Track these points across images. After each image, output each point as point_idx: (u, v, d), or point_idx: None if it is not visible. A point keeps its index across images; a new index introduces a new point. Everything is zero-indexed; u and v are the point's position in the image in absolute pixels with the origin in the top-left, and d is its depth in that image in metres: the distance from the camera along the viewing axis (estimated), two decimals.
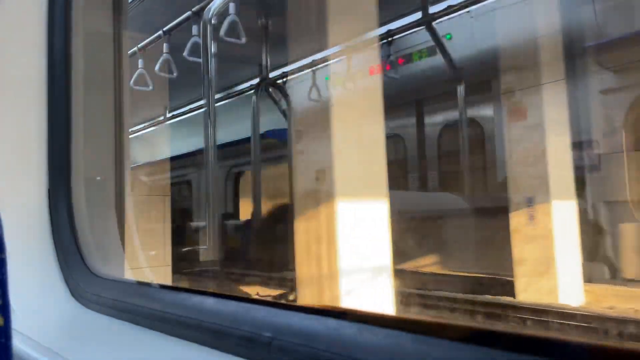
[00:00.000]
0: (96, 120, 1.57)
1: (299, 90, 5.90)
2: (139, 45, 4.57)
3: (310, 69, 5.52)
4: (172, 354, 0.80)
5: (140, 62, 4.53)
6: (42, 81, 1.38)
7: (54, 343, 0.96)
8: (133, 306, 0.98)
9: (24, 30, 1.39)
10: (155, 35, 4.48)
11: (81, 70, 1.45)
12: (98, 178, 1.47)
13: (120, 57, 1.59)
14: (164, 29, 4.35)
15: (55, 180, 1.34)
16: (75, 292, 1.15)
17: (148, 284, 1.08)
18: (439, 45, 4.44)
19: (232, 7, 3.38)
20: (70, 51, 1.40)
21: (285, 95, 5.67)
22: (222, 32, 3.35)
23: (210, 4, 3.11)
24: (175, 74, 4.40)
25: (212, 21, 2.99)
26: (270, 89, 5.41)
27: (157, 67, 4.31)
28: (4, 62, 1.37)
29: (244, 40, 3.57)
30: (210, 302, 0.77)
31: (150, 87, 4.71)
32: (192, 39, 3.89)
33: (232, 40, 3.51)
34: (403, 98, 5.37)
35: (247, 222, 5.96)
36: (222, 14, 3.32)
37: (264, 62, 5.02)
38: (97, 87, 1.57)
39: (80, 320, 1.08)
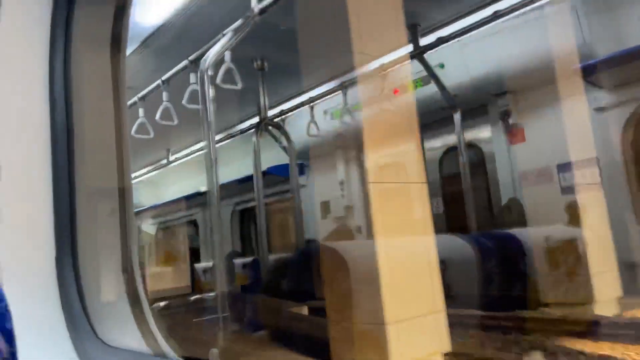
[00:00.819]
0: (99, 179, 1.59)
1: (297, 127, 5.97)
2: (138, 95, 4.67)
3: (307, 105, 5.60)
4: None
5: (140, 112, 4.62)
6: (47, 146, 1.41)
7: None
8: None
9: (27, 89, 1.42)
10: (155, 84, 4.58)
11: (83, 128, 1.49)
12: (104, 242, 1.49)
13: (120, 108, 1.62)
14: (163, 78, 4.44)
15: (61, 248, 1.36)
16: None
17: (157, 355, 1.09)
18: (432, 74, 4.52)
19: (227, 55, 3.46)
20: (71, 109, 1.44)
21: (284, 132, 5.75)
22: (218, 79, 3.43)
23: (207, 53, 3.20)
24: (176, 121, 4.47)
25: (209, 70, 3.07)
26: (269, 127, 5.48)
27: (158, 116, 4.39)
28: (11, 120, 1.39)
29: (240, 85, 3.64)
30: None
31: (152, 135, 4.78)
32: (190, 87, 3.97)
33: (229, 87, 3.59)
34: (400, 127, 5.43)
35: (254, 260, 5.95)
36: (219, 62, 3.40)
37: (261, 102, 5.10)
38: (99, 142, 1.60)
39: None
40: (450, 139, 5.28)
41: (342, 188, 6.28)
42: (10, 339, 0.66)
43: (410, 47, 4.29)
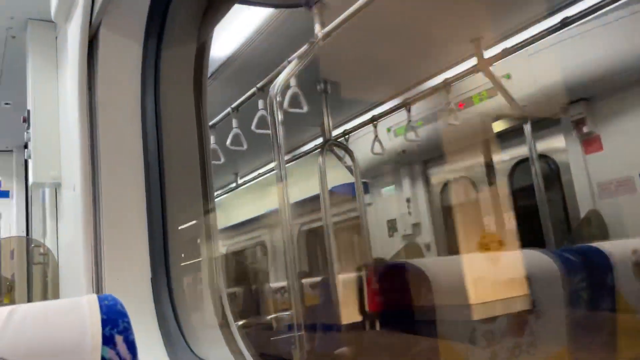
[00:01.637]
0: (186, 205, 1.71)
1: (361, 146, 6.02)
2: (210, 123, 4.92)
3: (371, 124, 5.65)
4: None
5: (212, 139, 4.86)
6: (142, 175, 1.54)
7: None
8: None
9: (123, 125, 1.56)
10: (224, 113, 4.80)
11: (171, 157, 1.61)
12: (193, 264, 1.59)
13: (204, 137, 1.74)
14: (232, 105, 4.65)
15: (156, 270, 1.47)
16: None
17: None
18: (498, 86, 4.43)
19: (292, 80, 3.60)
20: (162, 140, 1.56)
21: (348, 152, 5.81)
22: (285, 104, 3.56)
23: (275, 80, 3.34)
24: (245, 147, 4.66)
25: (277, 97, 3.20)
26: (333, 147, 5.56)
27: (228, 142, 4.59)
28: (111, 152, 1.53)
29: (305, 109, 3.76)
30: None
31: (222, 160, 5.00)
32: (259, 113, 4.13)
33: (295, 110, 3.71)
34: (467, 141, 5.34)
35: (323, 279, 6.00)
36: (285, 87, 3.54)
37: (325, 123, 5.21)
38: (186, 169, 1.71)
39: None
40: (520, 151, 5.13)
41: (408, 205, 6.23)
42: (134, 350, 0.74)
43: (474, 60, 4.24)
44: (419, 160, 6.10)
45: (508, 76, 4.77)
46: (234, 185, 8.80)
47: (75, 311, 0.73)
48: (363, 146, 6.19)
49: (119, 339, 0.73)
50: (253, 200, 9.36)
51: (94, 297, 0.76)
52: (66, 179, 1.89)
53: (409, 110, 5.19)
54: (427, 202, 6.22)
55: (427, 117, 5.34)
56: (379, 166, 6.29)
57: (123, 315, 0.76)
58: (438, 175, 6.39)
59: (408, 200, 6.12)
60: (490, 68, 4.33)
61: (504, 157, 5.69)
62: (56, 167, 2.04)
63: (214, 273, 1.60)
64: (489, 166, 5.48)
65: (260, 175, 8.08)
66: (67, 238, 1.83)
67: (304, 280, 6.62)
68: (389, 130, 5.82)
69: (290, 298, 3.26)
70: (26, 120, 2.16)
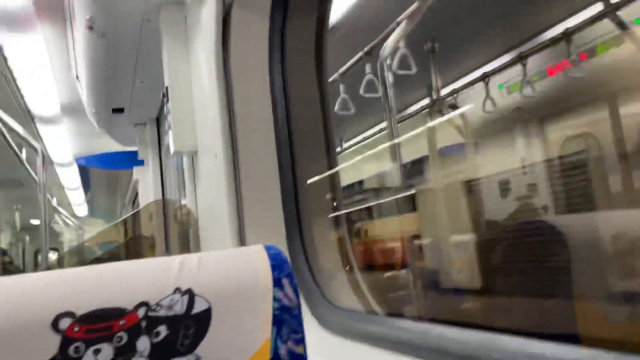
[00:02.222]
0: (312, 167, 1.82)
1: (471, 104, 5.82)
2: None
3: (481, 81, 5.42)
4: None
5: None
6: (272, 140, 1.68)
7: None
8: (374, 332, 1.15)
9: (254, 94, 1.70)
10: (331, 79, 4.90)
11: (297, 123, 1.72)
12: (321, 220, 1.72)
13: (325, 102, 1.83)
14: (339, 71, 4.73)
15: (290, 227, 1.61)
16: (322, 322, 1.38)
17: (381, 315, 1.25)
18: (627, 32, 4.02)
19: (402, 42, 3.57)
20: (290, 108, 1.68)
21: (457, 110, 5.65)
22: (394, 66, 3.56)
23: (385, 43, 3.36)
24: (352, 111, 4.74)
25: (387, 59, 3.22)
26: (441, 108, 5.45)
27: (336, 107, 4.70)
28: (246, 120, 1.67)
29: (414, 70, 3.73)
30: (453, 332, 0.89)
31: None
32: (367, 77, 4.17)
33: (404, 72, 3.70)
34: (591, 95, 4.94)
35: (435, 241, 5.99)
36: (394, 49, 3.54)
37: (433, 83, 5.10)
38: (312, 134, 1.82)
39: (329, 345, 1.29)
40: None
41: (523, 165, 5.95)
42: (297, 292, 0.86)
43: (599, 6, 3.88)
44: (534, 117, 5.76)
45: (638, 21, 4.29)
46: (338, 149, 8.99)
47: (249, 257, 0.86)
48: (473, 105, 5.97)
49: (285, 281, 0.85)
50: (358, 164, 9.50)
51: (261, 247, 0.88)
52: (203, 147, 2.10)
53: (524, 65, 4.90)
54: (543, 162, 5.88)
55: (543, 71, 5.00)
56: (490, 125, 6.04)
57: (286, 262, 0.88)
58: (556, 132, 5.99)
59: (523, 160, 5.84)
60: (618, 13, 3.92)
61: (635, 110, 5.18)
62: (193, 136, 2.25)
63: (340, 229, 1.71)
64: (616, 120, 5.03)
65: (365, 139, 8.15)
66: (207, 199, 2.05)
67: (416, 241, 6.67)
68: (501, 86, 5.55)
69: (405, 258, 3.35)
70: (165, 95, 2.40)
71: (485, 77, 5.30)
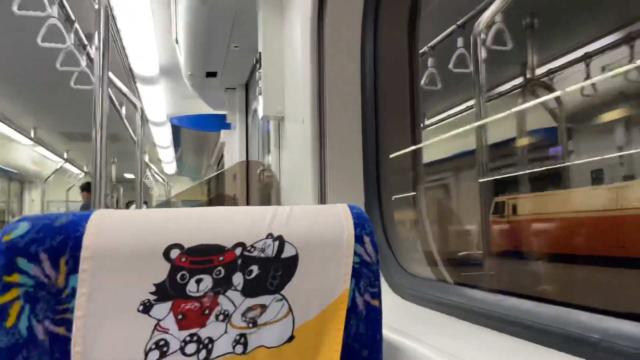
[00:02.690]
0: (396, 139, 1.85)
1: (568, 86, 5.48)
2: None
3: (582, 62, 5.08)
4: (491, 343, 0.95)
5: None
6: (358, 109, 1.73)
7: (386, 321, 1.23)
8: (445, 300, 1.18)
9: (346, 62, 1.74)
10: (420, 51, 4.81)
11: (384, 93, 1.74)
12: (401, 192, 1.75)
13: (415, 74, 1.84)
14: (430, 44, 4.63)
15: (369, 195, 1.66)
16: (394, 287, 1.43)
17: (458, 284, 1.27)
18: None
19: (498, 16, 3.43)
20: (378, 77, 1.71)
21: (553, 93, 5.35)
22: (488, 41, 3.44)
23: (480, 16, 3.24)
24: (439, 86, 4.65)
25: (482, 34, 3.11)
26: (536, 88, 5.18)
27: (423, 81, 4.63)
28: (336, 89, 1.72)
29: (510, 46, 3.57)
30: (527, 304, 0.91)
31: None
32: (458, 51, 4.06)
33: (498, 47, 3.56)
34: None
35: (514, 224, 5.81)
36: (490, 24, 3.40)
37: (529, 62, 4.86)
38: (398, 106, 1.84)
39: (401, 308, 1.34)
40: None
41: (620, 155, 5.55)
42: (376, 249, 0.91)
43: None
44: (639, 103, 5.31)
45: None
46: (421, 125, 8.84)
47: (335, 214, 0.92)
48: (570, 87, 5.61)
49: (366, 238, 0.91)
50: (441, 142, 9.30)
51: (346, 206, 0.95)
52: (290, 113, 2.18)
53: (632, 47, 4.52)
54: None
55: None
56: (587, 110, 5.66)
57: (368, 221, 0.93)
58: None
59: (620, 149, 5.45)
60: None
61: None
62: (281, 102, 2.35)
63: (419, 203, 1.74)
64: None
65: (450, 116, 7.94)
66: (291, 163, 2.15)
67: (495, 226, 6.50)
68: (603, 69, 5.17)
69: (482, 240, 3.30)
70: (258, 61, 2.51)
71: (587, 58, 4.95)
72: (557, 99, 4.97)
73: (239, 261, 0.84)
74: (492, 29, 3.40)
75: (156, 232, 0.81)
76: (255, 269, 0.84)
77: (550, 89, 5.14)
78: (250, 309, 0.84)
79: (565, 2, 4.02)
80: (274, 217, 0.88)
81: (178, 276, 0.81)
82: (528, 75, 4.82)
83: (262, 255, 0.85)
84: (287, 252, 0.86)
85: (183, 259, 0.81)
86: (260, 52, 2.47)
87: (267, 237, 0.86)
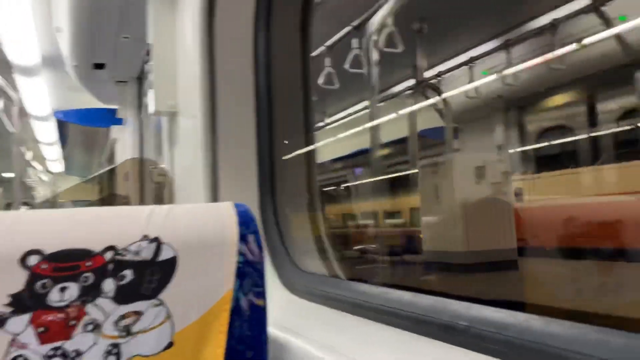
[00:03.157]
0: (290, 133, 1.84)
1: (455, 88, 5.87)
2: None
3: (466, 66, 5.46)
4: (375, 335, 0.98)
5: None
6: (252, 104, 1.69)
7: (277, 319, 1.22)
8: (335, 295, 1.20)
9: (238, 55, 1.69)
10: (317, 51, 4.88)
11: (277, 87, 1.73)
12: (294, 187, 1.75)
13: (306, 69, 1.84)
14: (326, 44, 4.71)
15: (263, 190, 1.64)
16: (286, 284, 1.42)
17: (347, 279, 1.30)
18: (611, 28, 4.09)
19: (389, 19, 3.58)
20: (270, 71, 1.69)
21: (440, 94, 5.70)
22: (380, 43, 3.57)
23: (372, 18, 3.35)
24: (337, 85, 4.75)
25: (374, 35, 3.22)
26: (425, 90, 5.49)
27: (321, 81, 4.70)
28: (227, 82, 1.68)
29: (400, 49, 3.74)
30: (407, 296, 0.94)
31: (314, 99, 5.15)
32: (353, 52, 4.17)
33: (390, 50, 3.71)
34: (571, 87, 5.03)
35: (405, 222, 6.11)
36: (382, 26, 3.54)
37: (418, 64, 5.13)
38: (290, 100, 1.83)
39: (293, 305, 1.34)
40: (630, 101, 4.76)
41: (499, 153, 6.06)
42: (261, 247, 0.89)
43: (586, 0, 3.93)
44: (515, 105, 5.83)
45: (623, 18, 4.35)
46: (321, 124, 8.99)
47: (218, 213, 0.89)
48: (456, 90, 6.02)
49: (250, 237, 0.89)
50: (339, 140, 9.54)
51: (230, 204, 0.92)
52: (183, 108, 2.10)
53: (509, 53, 4.94)
54: (520, 150, 6.00)
55: (527, 60, 5.06)
56: (471, 111, 6.10)
57: (253, 219, 0.91)
58: (535, 122, 6.10)
59: (500, 148, 5.95)
60: (604, 8, 3.97)
61: (611, 106, 5.29)
62: (173, 97, 2.24)
63: (313, 201, 1.75)
64: (593, 114, 5.14)
65: (348, 115, 8.17)
66: (184, 160, 2.06)
67: (387, 220, 6.78)
68: (485, 73, 5.60)
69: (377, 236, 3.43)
70: (148, 53, 2.37)
71: (470, 62, 5.34)
72: (444, 100, 5.30)
73: (110, 266, 0.77)
74: (383, 31, 3.54)
75: (10, 237, 0.73)
76: (129, 273, 0.79)
77: (438, 91, 5.47)
78: (123, 316, 0.78)
79: (450, 9, 4.29)
80: (150, 217, 0.83)
81: (38, 285, 0.73)
82: (419, 78, 5.09)
83: (137, 258, 0.79)
84: (165, 254, 0.81)
85: (44, 266, 0.73)
86: (150, 44, 2.35)
87: (142, 239, 0.80)
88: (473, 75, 5.41)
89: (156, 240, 0.81)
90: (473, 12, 4.78)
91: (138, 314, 0.79)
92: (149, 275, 0.80)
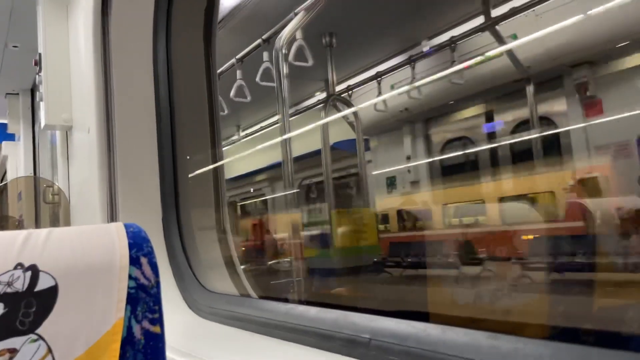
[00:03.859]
0: (195, 148, 1.78)
1: (364, 102, 6.04)
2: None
3: (374, 80, 5.65)
4: (279, 354, 0.95)
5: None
6: (153, 119, 1.61)
7: (179, 345, 1.15)
8: (242, 315, 1.16)
9: (136, 69, 1.61)
10: (229, 63, 4.81)
11: (181, 102, 1.67)
12: (201, 205, 1.69)
13: (212, 83, 1.79)
14: (237, 56, 4.65)
15: (166, 209, 1.56)
16: (192, 305, 1.36)
17: (253, 297, 1.26)
18: (503, 46, 4.43)
19: (299, 33, 3.60)
20: (172, 84, 1.62)
21: (351, 107, 5.84)
22: (290, 57, 3.58)
23: (281, 32, 3.36)
24: (249, 98, 4.70)
25: (283, 48, 3.22)
26: (337, 103, 5.59)
27: (232, 93, 4.63)
28: (125, 95, 1.58)
29: (310, 62, 3.78)
30: (313, 311, 0.92)
31: (225, 112, 5.05)
32: (264, 65, 4.15)
33: (300, 64, 3.73)
34: (470, 101, 5.37)
35: (322, 233, 6.15)
36: (291, 40, 3.55)
37: (330, 78, 5.22)
38: (195, 114, 1.77)
39: (198, 328, 1.28)
40: (522, 113, 5.17)
41: (408, 163, 6.31)
42: (156, 271, 0.84)
43: (481, 19, 4.22)
44: (420, 118, 6.13)
45: (515, 36, 4.74)
46: (235, 137, 8.86)
47: (106, 235, 0.81)
48: (366, 103, 6.20)
49: (143, 260, 0.82)
50: (255, 153, 9.46)
51: (121, 224, 0.85)
52: (78, 122, 1.96)
53: (413, 68, 5.18)
54: (426, 161, 6.29)
55: (430, 75, 5.34)
56: (380, 123, 6.31)
57: (146, 240, 0.85)
58: (439, 134, 6.44)
59: (408, 158, 6.20)
60: (497, 27, 4.30)
61: (506, 118, 5.72)
62: (67, 109, 2.09)
63: (222, 218, 1.69)
64: (490, 126, 5.52)
65: (262, 128, 8.12)
66: (80, 178, 1.92)
67: (302, 233, 6.79)
68: (392, 87, 5.83)
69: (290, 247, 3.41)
70: (37, 63, 2.20)
71: (378, 77, 5.53)
72: (355, 113, 5.44)
73: None
74: (293, 45, 3.56)
75: None
76: None
77: (348, 104, 5.61)
78: None
79: (357, 24, 4.42)
80: (25, 243, 0.74)
81: None
82: (330, 91, 5.18)
83: (9, 290, 0.70)
84: (43, 284, 0.73)
85: None
86: (40, 53, 2.18)
87: (15, 268, 0.71)
88: (381, 89, 5.61)
89: (32, 268, 0.73)
90: (380, 28, 4.96)
91: (12, 351, 0.70)
92: (24, 307, 0.71)
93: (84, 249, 0.78)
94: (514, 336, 0.58)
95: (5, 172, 5.92)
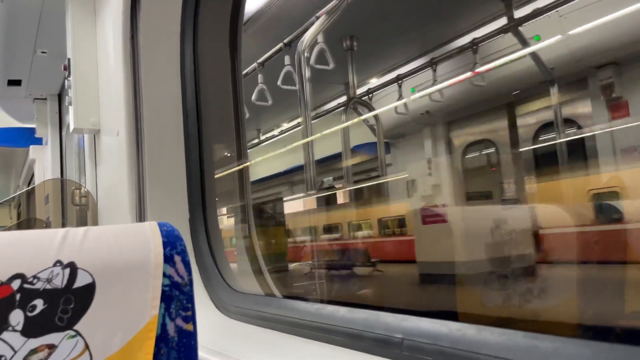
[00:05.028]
0: (221, 150, 1.80)
1: (385, 105, 6.03)
2: None
3: (395, 83, 5.63)
4: (309, 353, 0.95)
5: None
6: (180, 120, 1.63)
7: (209, 344, 1.16)
8: (270, 315, 1.16)
9: (164, 70, 1.63)
10: (251, 67, 4.85)
11: (207, 103, 1.69)
12: (228, 207, 1.70)
13: (237, 84, 1.81)
14: (259, 60, 4.70)
15: (194, 211, 1.58)
16: (219, 305, 1.37)
17: (280, 297, 1.26)
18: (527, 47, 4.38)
19: (320, 37, 3.62)
20: (199, 87, 1.64)
21: (372, 111, 5.83)
22: (312, 60, 3.60)
23: (303, 36, 3.38)
24: (270, 102, 4.73)
25: (305, 52, 3.24)
26: (357, 106, 5.59)
27: (254, 97, 4.67)
28: (153, 97, 1.61)
29: (331, 66, 3.79)
30: (342, 311, 0.93)
31: (247, 115, 5.10)
32: (285, 69, 4.18)
33: (321, 67, 3.75)
34: (492, 103, 5.32)
35: (341, 237, 6.14)
36: (313, 43, 3.57)
37: (350, 81, 5.23)
38: (221, 116, 1.79)
39: (226, 327, 1.29)
40: (545, 115, 5.10)
41: (429, 167, 6.27)
42: (189, 269, 0.85)
43: (504, 20, 4.18)
44: (442, 121, 6.08)
45: (537, 37, 4.68)
46: (256, 141, 8.92)
47: (141, 233, 0.83)
48: (386, 106, 6.18)
49: (177, 258, 0.84)
50: (275, 157, 9.51)
51: (155, 223, 0.86)
52: (106, 125, 1.99)
53: (434, 70, 5.15)
54: (448, 164, 6.24)
55: (451, 77, 5.30)
56: (401, 126, 6.29)
57: (180, 239, 0.86)
58: (460, 137, 6.38)
59: (429, 162, 6.16)
60: (520, 28, 4.25)
61: (529, 121, 5.65)
62: (95, 113, 2.13)
63: (247, 218, 1.71)
64: (513, 129, 5.45)
65: (282, 132, 8.17)
66: (108, 180, 1.96)
67: (322, 236, 6.81)
68: (413, 90, 5.80)
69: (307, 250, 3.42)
70: (66, 68, 2.25)
71: (399, 79, 5.51)
72: (375, 116, 5.43)
73: (18, 296, 0.70)
74: (315, 48, 3.57)
75: None
76: (39, 303, 0.71)
77: (369, 107, 5.60)
78: (34, 351, 0.70)
79: (378, 27, 4.42)
80: (64, 241, 0.76)
81: None
82: (351, 94, 5.19)
83: (49, 286, 0.72)
84: (81, 281, 0.75)
85: None
86: (69, 58, 2.23)
87: (54, 265, 0.73)
88: (402, 92, 5.59)
89: (70, 265, 0.74)
90: (401, 31, 4.96)
91: (51, 347, 0.72)
92: (63, 304, 0.73)
93: (120, 246, 0.80)
94: (553, 335, 0.57)
95: (32, 176, 6.05)
